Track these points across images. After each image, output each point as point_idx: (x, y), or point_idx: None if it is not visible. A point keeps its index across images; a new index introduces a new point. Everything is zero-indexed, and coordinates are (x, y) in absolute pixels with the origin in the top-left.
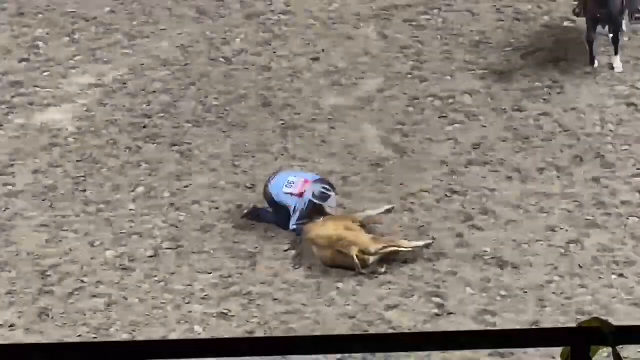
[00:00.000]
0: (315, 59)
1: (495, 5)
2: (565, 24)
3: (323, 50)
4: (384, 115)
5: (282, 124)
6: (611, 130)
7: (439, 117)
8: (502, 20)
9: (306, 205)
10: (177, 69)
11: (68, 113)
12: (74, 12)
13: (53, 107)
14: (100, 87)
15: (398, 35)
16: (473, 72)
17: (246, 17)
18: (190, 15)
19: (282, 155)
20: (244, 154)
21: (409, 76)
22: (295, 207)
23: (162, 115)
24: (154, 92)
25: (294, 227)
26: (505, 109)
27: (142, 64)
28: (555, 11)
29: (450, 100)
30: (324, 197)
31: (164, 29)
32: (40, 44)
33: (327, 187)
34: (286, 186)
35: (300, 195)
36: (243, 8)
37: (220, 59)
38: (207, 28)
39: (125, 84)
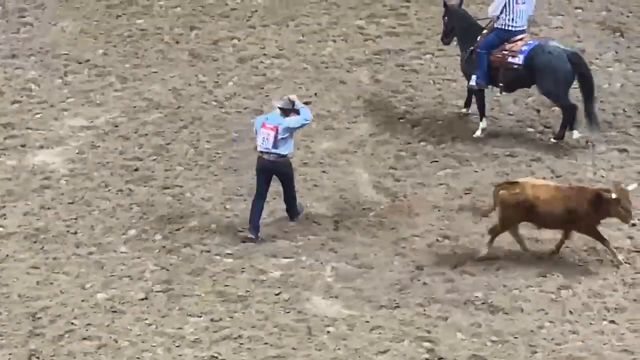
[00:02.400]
0: (308, 103)
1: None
2: None
3: (316, 94)
4: (376, 159)
5: None
6: (603, 176)
7: (430, 162)
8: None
9: None
10: (170, 112)
11: (60, 155)
12: (67, 54)
13: (45, 149)
14: (93, 130)
15: (390, 79)
16: (465, 117)
17: (239, 60)
18: (183, 58)
19: (274, 198)
20: (235, 197)
21: (401, 120)
22: None
23: (154, 158)
24: (146, 134)
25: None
26: (497, 154)
27: (135, 107)
28: None
29: (442, 145)
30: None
31: (157, 72)
32: (33, 86)
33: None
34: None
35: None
36: (236, 51)
37: (213, 102)
38: (199, 71)
39: (117, 126)
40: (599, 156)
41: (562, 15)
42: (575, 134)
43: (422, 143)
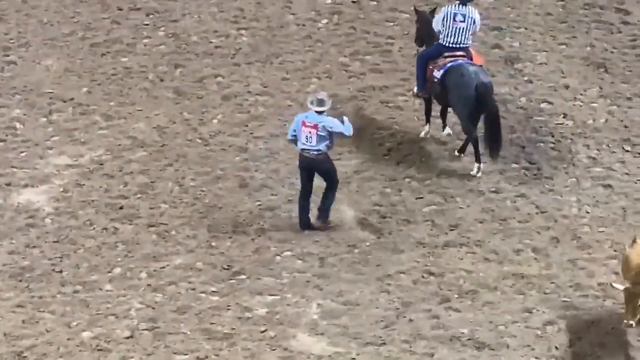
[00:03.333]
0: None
1: None
2: (543, 105)
3: None
4: (361, 196)
5: (259, 204)
6: (588, 212)
7: (416, 199)
8: None
9: None
10: (154, 150)
11: (45, 193)
12: (52, 92)
13: (30, 187)
14: (77, 168)
15: (375, 116)
16: (450, 153)
17: (223, 97)
18: (168, 95)
19: (259, 236)
20: (220, 235)
21: (386, 157)
22: None
23: (139, 196)
24: (131, 172)
25: None
26: (482, 191)
27: (119, 145)
28: (533, 94)
29: (428, 182)
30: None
31: (141, 110)
32: (17, 124)
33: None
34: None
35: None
36: (220, 89)
37: (197, 140)
38: (184, 109)
39: (102, 164)
40: (583, 192)
41: (547, 51)
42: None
43: (407, 180)
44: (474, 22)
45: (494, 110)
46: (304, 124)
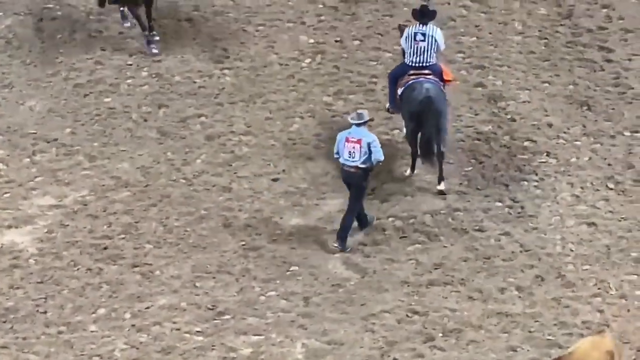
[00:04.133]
0: (276, 180)
1: (455, 125)
2: (526, 143)
3: (284, 171)
4: None
5: (243, 244)
6: (572, 250)
7: (400, 238)
8: (463, 141)
9: None
10: (138, 190)
11: (29, 234)
12: (35, 133)
13: (14, 228)
14: (61, 209)
15: None
16: (434, 192)
17: (207, 138)
18: (151, 136)
19: (243, 276)
20: (205, 275)
21: (370, 196)
22: None
23: (123, 236)
24: (115, 213)
25: None
26: (466, 229)
27: (103, 185)
28: (516, 132)
29: (411, 221)
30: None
31: (125, 150)
32: (1, 165)
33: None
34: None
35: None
36: (204, 129)
37: (181, 180)
38: (167, 149)
39: (86, 205)
40: (567, 230)
41: (530, 89)
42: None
43: (390, 219)
44: (435, 40)
45: (430, 126)
46: (347, 139)
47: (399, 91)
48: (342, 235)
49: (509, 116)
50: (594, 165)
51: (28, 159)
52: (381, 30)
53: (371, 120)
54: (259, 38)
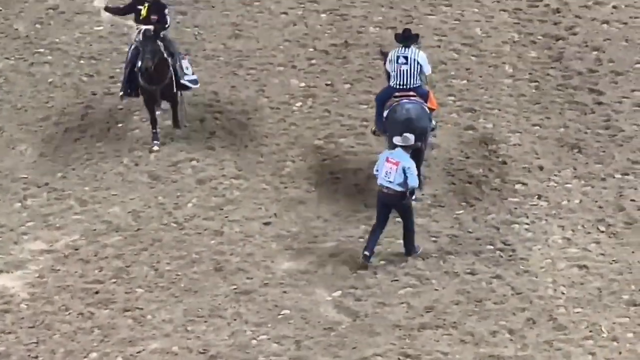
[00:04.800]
0: (267, 223)
1: (446, 169)
2: (517, 186)
3: (275, 215)
4: (337, 279)
5: (235, 288)
6: (563, 293)
7: (391, 281)
8: (454, 184)
9: None
10: (130, 234)
11: (20, 279)
12: (26, 177)
13: (5, 273)
14: (52, 253)
15: (349, 198)
16: (424, 235)
17: (198, 181)
18: (142, 180)
19: (235, 320)
20: (196, 319)
21: (361, 240)
22: None
23: (114, 280)
24: (106, 257)
25: None
26: (457, 272)
27: (94, 230)
28: (507, 175)
29: (403, 264)
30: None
31: (116, 194)
32: None
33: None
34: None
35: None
36: (195, 172)
37: (172, 224)
38: (159, 193)
39: (77, 249)
40: (559, 273)
41: (520, 132)
42: None
43: (382, 262)
44: (418, 63)
45: (419, 146)
46: (387, 159)
47: (385, 113)
48: (371, 247)
49: (500, 159)
50: (584, 207)
51: (19, 204)
52: (372, 73)
53: (417, 146)
54: (250, 82)
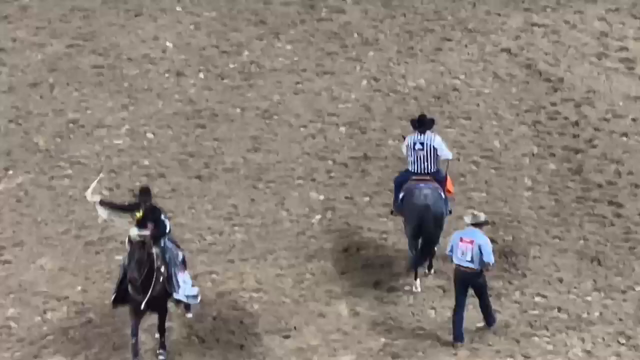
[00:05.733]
0: (287, 337)
1: None
2: (537, 299)
3: (295, 328)
4: None
5: None
6: None
7: None
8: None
9: None
10: (150, 348)
11: None
12: (46, 291)
13: None
14: None
15: (370, 312)
16: (441, 349)
17: (218, 295)
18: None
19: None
20: None
21: (381, 353)
22: None
23: None
24: None
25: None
26: None
27: (114, 343)
28: (527, 287)
29: None
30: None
31: None
32: (12, 323)
33: None
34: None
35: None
36: (215, 285)
37: (193, 337)
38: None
39: None
40: None
41: (540, 245)
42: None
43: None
44: (434, 148)
45: (429, 233)
46: (461, 239)
47: (401, 195)
48: (458, 332)
49: (519, 271)
50: (605, 320)
51: (39, 317)
52: (391, 186)
53: (487, 223)
54: (270, 195)
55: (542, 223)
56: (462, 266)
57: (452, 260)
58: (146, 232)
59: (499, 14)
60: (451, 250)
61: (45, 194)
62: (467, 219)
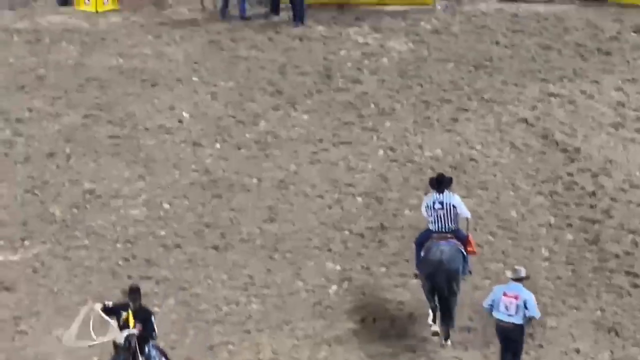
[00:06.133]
0: None
1: (482, 353)
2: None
3: None
4: None
5: None
6: None
7: None
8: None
9: None
10: None
11: None
12: None
13: None
14: None
15: None
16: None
17: None
18: None
19: None
20: None
21: None
22: None
23: None
24: None
25: None
26: None
27: None
28: (544, 358)
29: None
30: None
31: None
32: None
33: None
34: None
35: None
36: (231, 356)
37: None
38: None
39: None
40: None
41: (557, 315)
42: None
43: None
44: (453, 207)
45: (442, 288)
46: (505, 294)
47: (422, 254)
48: None
49: (536, 342)
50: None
51: None
52: (407, 256)
53: (528, 278)
54: (286, 265)
55: (559, 293)
56: (504, 321)
57: (491, 314)
58: (134, 332)
59: (516, 84)
60: (491, 304)
61: (62, 264)
62: (509, 274)
